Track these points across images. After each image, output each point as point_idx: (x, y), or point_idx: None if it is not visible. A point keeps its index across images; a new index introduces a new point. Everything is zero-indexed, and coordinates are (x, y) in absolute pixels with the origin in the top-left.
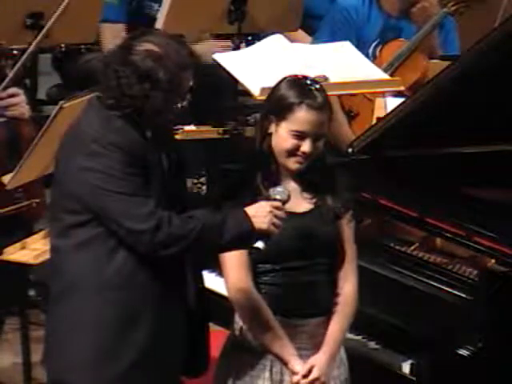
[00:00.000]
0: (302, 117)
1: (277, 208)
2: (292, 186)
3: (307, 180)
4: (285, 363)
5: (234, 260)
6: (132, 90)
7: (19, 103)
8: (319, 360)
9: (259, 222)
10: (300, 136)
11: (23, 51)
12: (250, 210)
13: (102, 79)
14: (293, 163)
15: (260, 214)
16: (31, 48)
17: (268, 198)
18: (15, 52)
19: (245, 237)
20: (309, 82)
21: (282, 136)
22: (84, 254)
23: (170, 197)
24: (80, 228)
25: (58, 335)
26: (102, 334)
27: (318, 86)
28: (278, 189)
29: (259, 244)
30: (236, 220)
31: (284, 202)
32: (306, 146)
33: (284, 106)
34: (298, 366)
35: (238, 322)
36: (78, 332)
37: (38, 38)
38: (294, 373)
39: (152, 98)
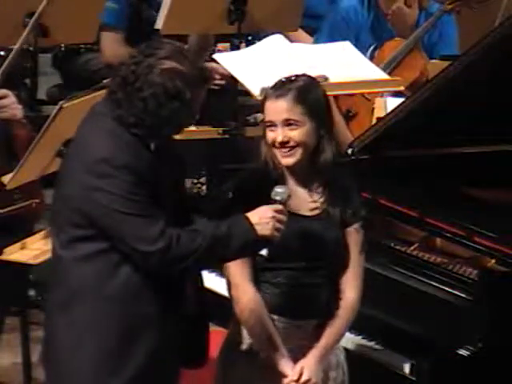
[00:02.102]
0: (266, 107)
1: (279, 211)
2: (301, 187)
3: (316, 183)
4: (275, 364)
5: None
6: (162, 110)
7: (9, 105)
8: (308, 362)
9: (263, 230)
10: (271, 126)
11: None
12: (253, 217)
13: (122, 99)
14: (280, 157)
15: (263, 220)
16: (17, 46)
17: (269, 201)
18: (2, 53)
19: (250, 245)
20: (286, 76)
21: (266, 131)
22: (88, 267)
23: (174, 199)
24: (85, 241)
25: (58, 345)
26: (102, 348)
27: (292, 79)
28: (278, 189)
29: (263, 251)
30: (241, 230)
31: (284, 203)
32: (278, 135)
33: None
34: (288, 368)
35: (237, 321)
36: (79, 345)
37: (23, 35)
38: (284, 375)
39: (177, 116)
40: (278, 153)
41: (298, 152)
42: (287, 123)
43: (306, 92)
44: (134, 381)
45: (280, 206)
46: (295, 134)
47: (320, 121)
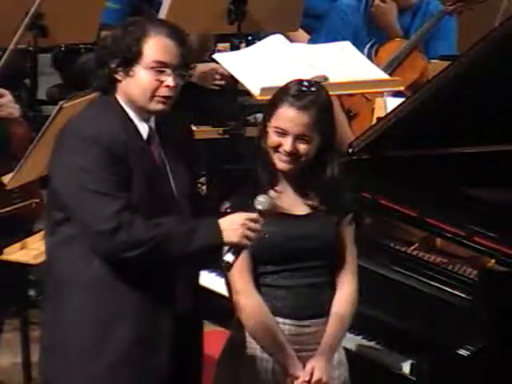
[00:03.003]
0: (282, 113)
1: (253, 220)
2: (295, 187)
3: (310, 182)
4: (284, 367)
5: (237, 263)
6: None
7: (6, 103)
8: (318, 361)
9: (230, 236)
10: (281, 133)
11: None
12: (223, 222)
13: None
14: (279, 161)
15: (232, 226)
16: (12, 45)
17: (249, 209)
18: None
19: (214, 249)
20: (305, 83)
21: (269, 133)
22: (67, 253)
23: (163, 197)
24: (64, 225)
25: (48, 335)
26: (85, 333)
27: (312, 89)
28: (260, 198)
29: (229, 257)
30: (206, 232)
31: (264, 212)
32: (285, 144)
33: (272, 103)
34: (298, 370)
35: (238, 323)
36: (64, 331)
37: (18, 34)
38: (294, 377)
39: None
40: (276, 156)
41: (299, 161)
42: (300, 137)
43: (325, 110)
44: (119, 364)
45: (255, 215)
46: (303, 148)
47: (327, 137)
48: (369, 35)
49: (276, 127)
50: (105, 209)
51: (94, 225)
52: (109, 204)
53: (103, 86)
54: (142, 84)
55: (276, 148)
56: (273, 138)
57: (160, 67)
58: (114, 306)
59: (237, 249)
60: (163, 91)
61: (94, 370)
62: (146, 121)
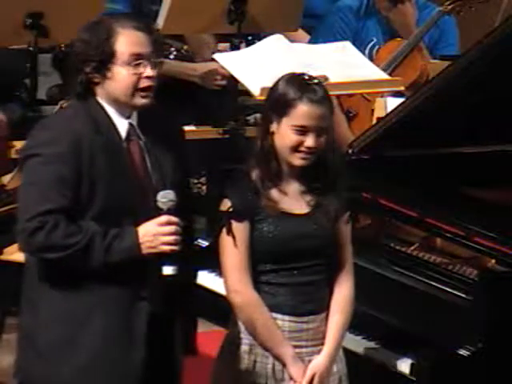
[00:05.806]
0: (303, 111)
1: (164, 223)
2: (294, 186)
3: (310, 181)
4: (283, 365)
5: (234, 261)
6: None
7: None
8: (321, 366)
9: (146, 248)
10: (302, 131)
11: None
12: (140, 232)
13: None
14: (297, 159)
15: (145, 238)
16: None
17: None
18: None
19: (134, 259)
20: (307, 77)
21: (285, 133)
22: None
23: (139, 192)
24: None
25: (22, 335)
26: (57, 333)
27: (316, 81)
28: (161, 199)
29: (169, 270)
30: (124, 245)
31: (170, 209)
32: (309, 141)
33: (284, 102)
34: (298, 372)
35: (236, 321)
36: (37, 331)
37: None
38: (292, 378)
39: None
40: (295, 155)
41: (314, 156)
42: (320, 130)
43: (330, 99)
44: (87, 365)
45: (164, 218)
46: (321, 141)
47: (331, 127)
48: (369, 36)
49: (295, 126)
50: (32, 208)
51: (19, 221)
52: (38, 204)
53: (81, 92)
54: (122, 82)
55: (296, 147)
56: (291, 137)
57: (136, 60)
58: (85, 305)
59: (168, 258)
60: (144, 82)
61: (67, 370)
62: (127, 117)
